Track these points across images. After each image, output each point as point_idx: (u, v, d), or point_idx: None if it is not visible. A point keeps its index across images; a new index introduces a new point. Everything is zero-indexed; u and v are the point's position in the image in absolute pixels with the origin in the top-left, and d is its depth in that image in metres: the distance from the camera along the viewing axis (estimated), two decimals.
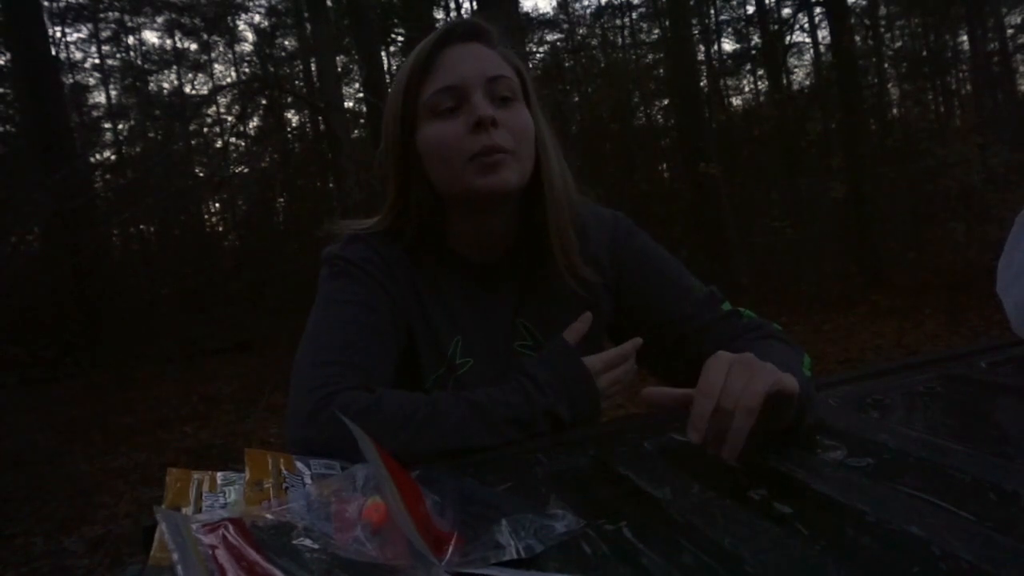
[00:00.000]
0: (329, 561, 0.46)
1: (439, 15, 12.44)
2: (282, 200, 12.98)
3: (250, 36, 15.80)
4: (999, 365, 0.86)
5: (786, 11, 11.98)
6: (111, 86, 15.50)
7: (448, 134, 0.81)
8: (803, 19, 11.45)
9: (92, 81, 15.10)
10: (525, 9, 13.85)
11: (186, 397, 6.21)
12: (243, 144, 12.16)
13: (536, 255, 0.90)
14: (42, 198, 5.53)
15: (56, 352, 7.28)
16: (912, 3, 10.85)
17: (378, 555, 0.47)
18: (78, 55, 15.23)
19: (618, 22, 13.94)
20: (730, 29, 13.67)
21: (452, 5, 12.68)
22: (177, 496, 0.56)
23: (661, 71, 12.24)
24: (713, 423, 0.59)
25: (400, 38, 12.27)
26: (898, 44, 12.61)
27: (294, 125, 14.20)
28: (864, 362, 4.72)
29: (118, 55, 15.45)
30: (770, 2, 12.39)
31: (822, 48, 11.76)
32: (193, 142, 13.43)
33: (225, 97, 12.48)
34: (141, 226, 12.44)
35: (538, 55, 13.09)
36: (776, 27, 11.34)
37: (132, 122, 14.66)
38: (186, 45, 15.47)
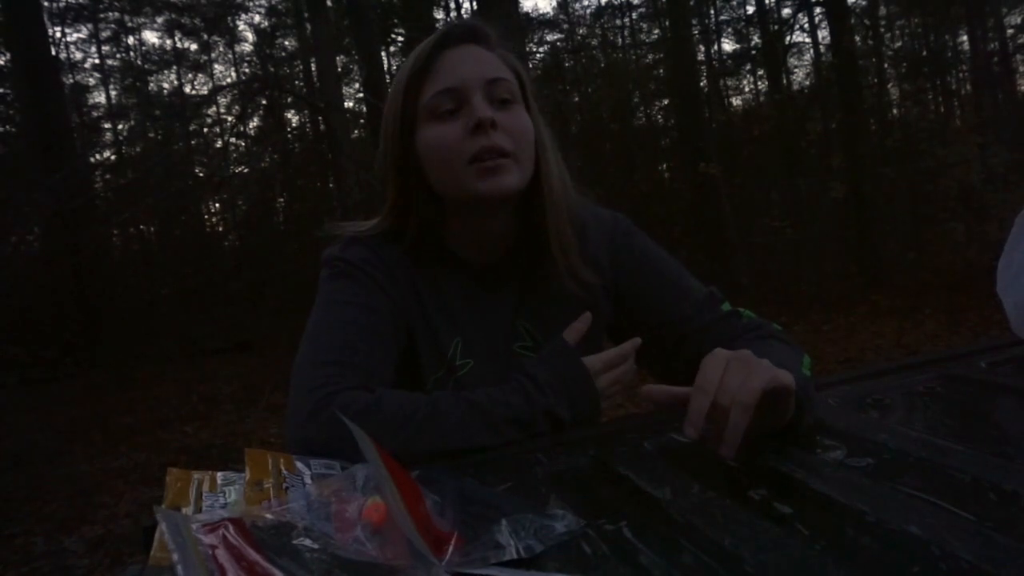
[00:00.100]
0: (329, 561, 0.46)
1: (439, 15, 12.46)
2: (282, 200, 12.99)
3: (250, 36, 15.83)
4: (999, 365, 0.86)
5: (786, 11, 11.99)
6: (111, 86, 15.53)
7: (447, 136, 0.81)
8: (803, 19, 11.46)
9: (92, 81, 15.14)
10: (525, 9, 13.88)
11: (186, 397, 6.21)
12: (243, 144, 12.18)
13: (535, 256, 0.90)
14: (42, 198, 5.53)
15: (56, 352, 7.29)
16: (912, 3, 10.85)
17: (378, 555, 0.47)
18: (78, 55, 15.27)
19: (618, 22, 13.97)
20: (730, 29, 13.69)
21: (452, 5, 12.70)
22: (177, 496, 0.56)
23: (661, 71, 12.24)
24: (710, 420, 0.59)
25: (400, 38, 12.28)
26: (898, 44, 12.61)
27: (294, 125, 14.22)
28: (864, 362, 4.72)
29: (118, 55, 15.48)
30: (770, 2, 12.40)
31: (822, 48, 11.76)
32: (193, 142, 13.45)
33: (225, 97, 12.51)
34: (141, 226, 12.45)
35: (538, 55, 13.11)
36: (776, 27, 11.34)
37: (132, 122, 14.67)
38: (186, 45, 15.51)
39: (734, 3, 13.45)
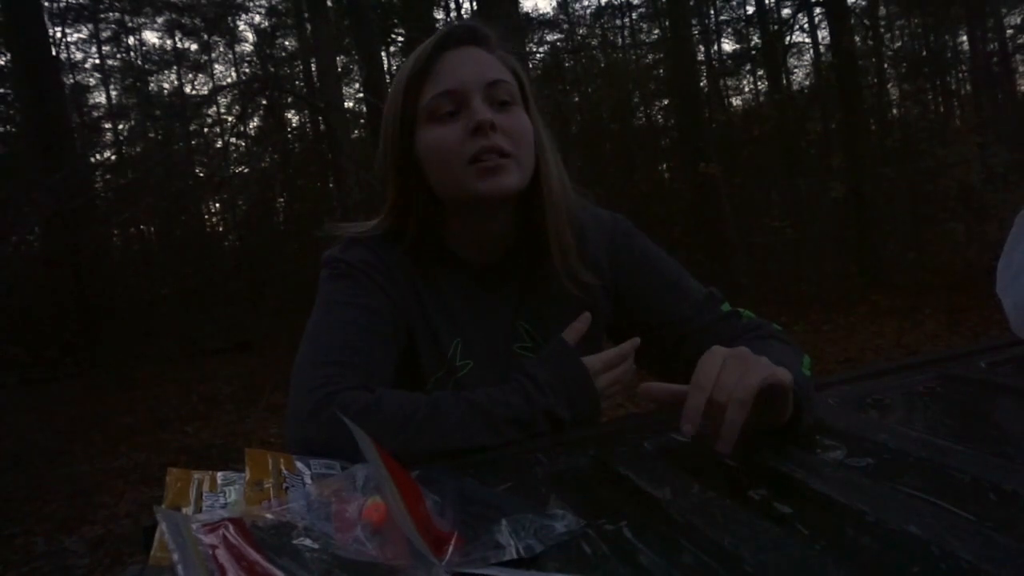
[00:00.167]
0: (329, 561, 0.46)
1: (439, 15, 12.46)
2: (282, 200, 12.99)
3: (250, 36, 15.82)
4: (999, 365, 0.86)
5: (786, 11, 11.99)
6: (111, 86, 15.53)
7: (447, 138, 0.82)
8: (803, 19, 11.46)
9: (92, 81, 15.14)
10: (525, 9, 13.88)
11: (186, 397, 6.21)
12: (243, 144, 12.17)
13: (535, 257, 0.90)
14: (42, 198, 5.52)
15: (56, 352, 7.28)
16: (912, 3, 10.84)
17: (378, 555, 0.47)
18: (78, 55, 15.28)
19: (618, 22, 13.97)
20: (730, 29, 13.69)
21: (452, 5, 12.70)
22: (177, 496, 0.56)
23: (661, 71, 12.24)
24: (707, 416, 0.60)
25: (400, 38, 12.27)
26: (898, 44, 12.61)
27: (294, 125, 14.23)
28: (864, 362, 4.72)
29: (118, 55, 15.48)
30: (770, 2, 12.40)
31: (822, 48, 11.77)
32: (193, 142, 13.44)
33: (225, 97, 12.50)
34: (141, 226, 12.45)
35: (538, 55, 13.10)
36: (776, 27, 11.34)
37: (132, 122, 14.67)
38: (186, 45, 15.50)
39: (734, 3, 13.47)
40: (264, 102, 11.12)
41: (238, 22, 15.27)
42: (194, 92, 15.42)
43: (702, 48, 11.80)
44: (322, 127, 11.00)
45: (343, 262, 0.86)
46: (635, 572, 0.45)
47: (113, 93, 15.66)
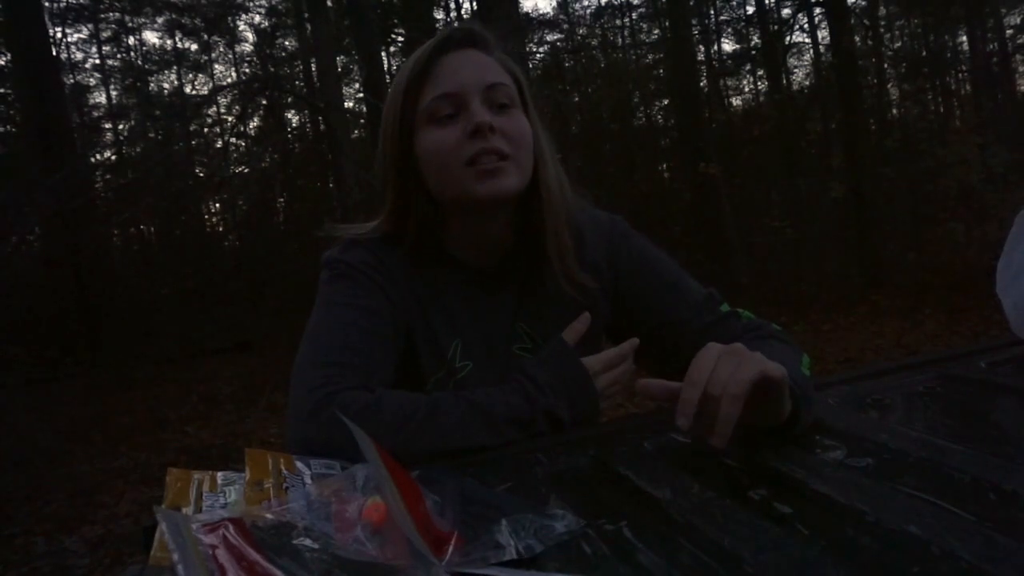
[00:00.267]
0: (329, 561, 0.46)
1: (439, 15, 12.45)
2: (282, 200, 12.98)
3: (250, 36, 15.80)
4: (999, 365, 0.86)
5: (786, 11, 11.98)
6: (111, 86, 15.52)
7: (446, 140, 0.82)
8: (803, 19, 11.45)
9: (92, 81, 15.13)
10: (525, 9, 13.86)
11: (186, 397, 6.21)
12: (243, 144, 12.17)
13: (533, 259, 0.90)
14: (42, 198, 5.52)
15: (56, 352, 7.28)
16: (912, 3, 10.84)
17: (378, 555, 0.47)
18: (78, 55, 15.26)
19: (618, 22, 13.96)
20: (730, 29, 13.68)
21: (452, 5, 12.69)
22: (177, 496, 0.56)
23: (661, 71, 12.24)
24: (702, 411, 0.61)
25: (400, 38, 12.27)
26: (898, 44, 12.61)
27: (294, 125, 14.23)
28: (864, 362, 4.72)
29: (118, 55, 15.47)
30: (770, 2, 12.39)
31: (822, 48, 11.76)
32: (193, 142, 13.42)
33: (225, 97, 12.50)
34: (141, 226, 12.45)
35: (538, 55, 13.10)
36: (776, 27, 11.34)
37: (132, 122, 14.66)
38: (186, 45, 15.49)
39: (734, 3, 13.45)
40: (264, 102, 11.13)
41: (238, 22, 15.27)
42: (194, 92, 15.43)
43: (702, 48, 11.80)
44: (322, 127, 11.00)
45: (343, 263, 0.87)
46: (635, 572, 0.45)
47: (113, 93, 15.67)
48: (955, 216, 7.13)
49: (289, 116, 13.82)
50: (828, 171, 8.71)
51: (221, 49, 15.58)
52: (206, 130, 14.17)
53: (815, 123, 10.37)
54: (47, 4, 11.24)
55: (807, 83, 12.75)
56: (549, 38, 13.85)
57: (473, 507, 0.54)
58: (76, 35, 16.70)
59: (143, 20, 14.62)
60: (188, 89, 15.59)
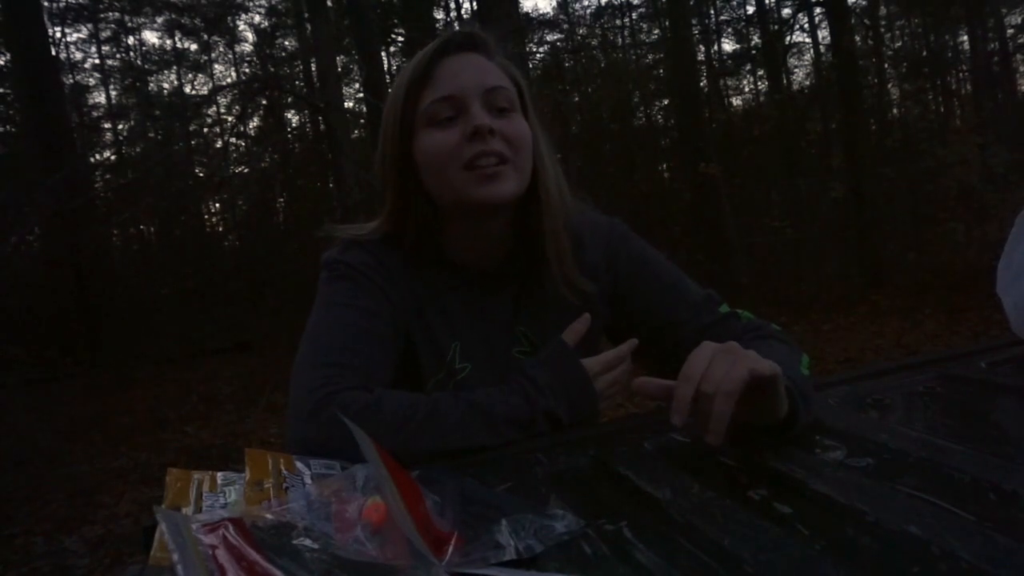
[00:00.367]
0: (329, 561, 0.46)
1: (439, 15, 12.45)
2: (282, 200, 12.99)
3: (250, 36, 15.81)
4: (999, 365, 0.86)
5: (786, 11, 11.99)
6: (111, 86, 15.52)
7: (446, 142, 0.82)
8: (803, 19, 11.46)
9: (92, 81, 15.12)
10: (525, 9, 13.84)
11: (186, 397, 6.21)
12: (243, 144, 12.17)
13: (532, 263, 0.90)
14: (42, 198, 5.52)
15: (56, 352, 7.28)
16: (912, 3, 10.84)
17: (378, 555, 0.47)
18: (78, 55, 15.25)
19: (618, 22, 13.95)
20: (730, 29, 13.68)
21: (452, 5, 12.70)
22: (177, 496, 0.56)
23: (661, 71, 12.24)
24: (697, 409, 0.61)
25: (400, 38, 12.28)
26: (898, 44, 12.61)
27: (294, 125, 14.22)
28: (864, 362, 4.72)
29: (118, 55, 15.46)
30: (770, 2, 12.40)
31: (822, 48, 11.77)
32: (193, 142, 13.43)
33: (225, 97, 12.51)
34: (141, 226, 12.45)
35: (538, 55, 13.10)
36: (776, 27, 11.34)
37: (132, 122, 14.66)
38: (186, 45, 15.49)
39: (734, 3, 13.45)
40: (264, 102, 11.13)
41: (238, 22, 15.27)
42: (194, 92, 15.43)
43: (702, 48, 11.80)
44: (322, 127, 10.99)
45: (343, 263, 0.87)
46: (635, 572, 0.45)
47: (113, 93, 15.66)
48: (955, 216, 7.12)
49: (289, 116, 13.83)
50: (828, 171, 8.72)
51: (221, 49, 15.60)
52: (206, 130, 14.19)
53: (815, 123, 10.37)
54: (47, 4, 11.25)
55: (807, 83, 12.77)
56: (549, 38, 13.85)
57: (473, 507, 0.54)
58: (75, 35, 16.74)
59: (143, 20, 14.64)
60: (188, 89, 15.62)
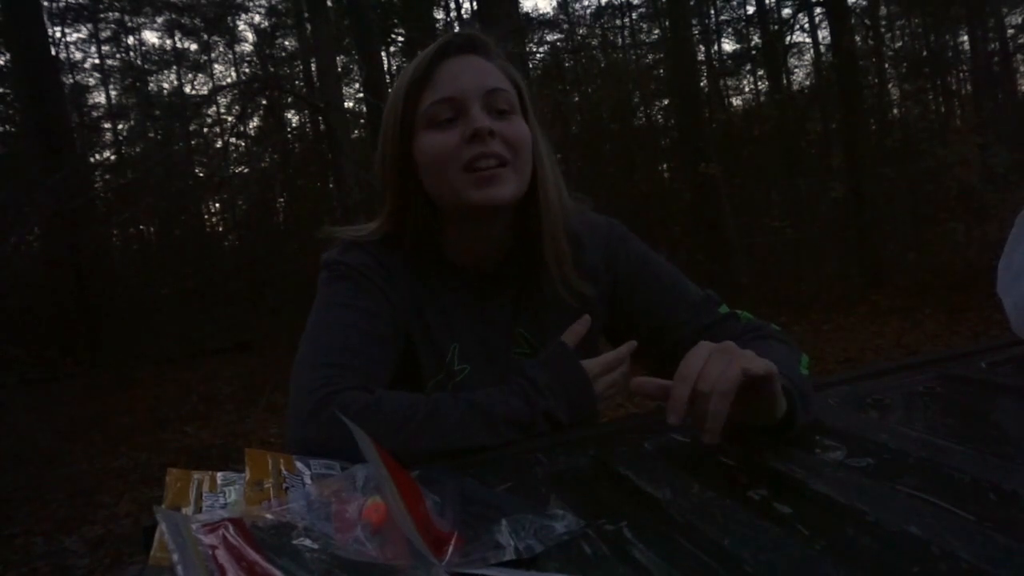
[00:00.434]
0: (329, 561, 0.46)
1: (439, 15, 12.45)
2: (282, 200, 12.99)
3: (250, 36, 15.81)
4: (999, 365, 0.86)
5: (786, 11, 11.99)
6: (111, 86, 15.51)
7: (445, 143, 0.82)
8: (803, 19, 11.46)
9: (92, 81, 15.11)
10: (525, 9, 13.85)
11: (186, 397, 6.21)
12: (243, 144, 12.17)
13: (531, 265, 0.90)
14: (42, 198, 5.53)
15: (56, 352, 7.29)
16: (912, 3, 10.84)
17: (378, 555, 0.47)
18: (78, 55, 15.24)
19: (618, 22, 13.96)
20: (730, 29, 13.68)
21: (452, 5, 12.70)
22: (177, 496, 0.56)
23: (661, 71, 12.24)
24: (693, 408, 0.61)
25: (400, 38, 12.28)
26: (898, 44, 12.60)
27: (294, 125, 14.22)
28: (864, 362, 4.72)
29: (118, 55, 15.46)
30: (770, 2, 12.40)
31: (822, 48, 11.77)
32: (193, 142, 13.43)
33: (225, 97, 12.50)
34: (141, 226, 12.45)
35: (538, 55, 13.10)
36: (776, 27, 11.34)
37: (132, 122, 14.66)
38: (186, 45, 15.49)
39: (734, 3, 13.46)
40: (264, 102, 11.13)
41: (238, 22, 15.28)
42: (194, 92, 15.43)
43: (702, 48, 11.81)
44: (322, 127, 10.99)
45: (342, 264, 0.87)
46: (635, 572, 0.45)
47: (113, 93, 15.65)
48: (955, 216, 7.12)
49: (289, 116, 13.83)
50: (828, 171, 8.72)
51: (221, 49, 15.60)
52: (206, 130, 14.19)
53: (815, 123, 10.37)
54: (46, 4, 11.25)
55: (807, 83, 12.77)
56: (549, 38, 13.86)
57: (473, 507, 0.54)
58: (75, 35, 16.74)
59: (143, 20, 14.63)
60: (188, 89, 15.61)
